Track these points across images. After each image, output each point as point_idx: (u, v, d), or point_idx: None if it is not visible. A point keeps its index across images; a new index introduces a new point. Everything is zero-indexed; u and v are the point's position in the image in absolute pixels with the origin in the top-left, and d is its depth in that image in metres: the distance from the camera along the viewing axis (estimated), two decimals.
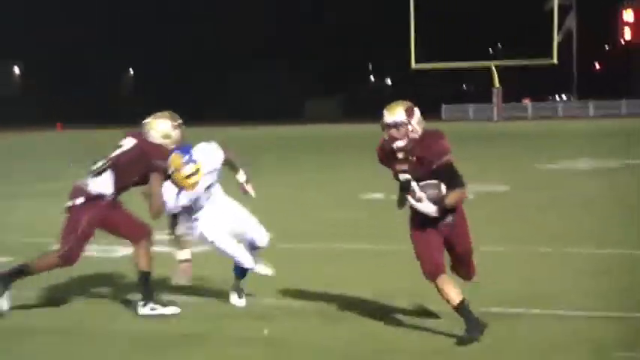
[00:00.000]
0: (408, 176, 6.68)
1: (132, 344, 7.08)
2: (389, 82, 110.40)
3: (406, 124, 6.62)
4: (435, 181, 6.59)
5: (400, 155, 6.72)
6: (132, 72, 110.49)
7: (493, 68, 72.03)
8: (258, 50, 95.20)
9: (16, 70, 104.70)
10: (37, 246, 11.95)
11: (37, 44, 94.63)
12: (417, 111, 6.72)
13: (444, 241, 6.77)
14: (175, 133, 8.00)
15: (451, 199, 6.57)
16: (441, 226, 6.73)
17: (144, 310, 7.92)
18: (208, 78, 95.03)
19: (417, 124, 6.67)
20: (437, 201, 6.53)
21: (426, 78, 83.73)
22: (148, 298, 7.96)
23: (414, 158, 6.65)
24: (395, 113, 6.66)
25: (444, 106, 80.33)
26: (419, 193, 6.55)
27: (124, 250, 11.47)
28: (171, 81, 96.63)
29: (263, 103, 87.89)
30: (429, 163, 6.62)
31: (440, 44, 75.90)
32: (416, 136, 6.66)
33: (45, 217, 15.64)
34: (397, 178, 6.81)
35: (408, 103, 6.75)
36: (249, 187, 8.26)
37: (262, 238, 8.16)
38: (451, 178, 6.62)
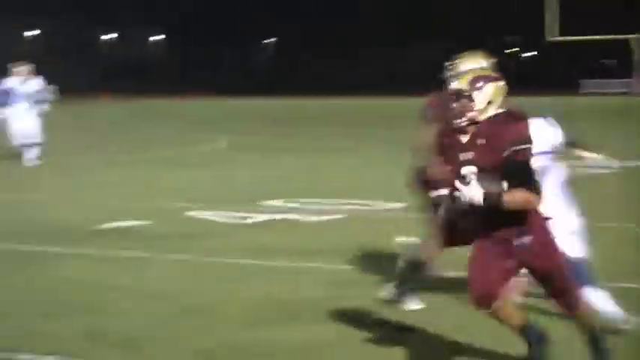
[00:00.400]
0: (472, 169, 5.10)
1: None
2: (525, 55, 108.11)
3: (467, 97, 5.12)
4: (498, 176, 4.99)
5: (465, 139, 5.18)
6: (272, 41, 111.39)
7: (635, 41, 69.86)
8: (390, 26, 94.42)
9: (160, 37, 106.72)
10: (170, 211, 12.29)
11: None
12: (490, 85, 5.15)
13: (519, 264, 5.23)
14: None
15: (511, 197, 4.94)
16: (514, 248, 5.14)
17: (386, 294, 7.15)
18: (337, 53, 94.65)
19: (483, 100, 5.12)
20: (491, 193, 4.93)
21: (564, 51, 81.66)
22: (402, 286, 7.06)
23: (484, 141, 5.07)
24: (462, 80, 5.24)
25: (582, 81, 78.45)
26: (470, 177, 5.02)
27: (259, 216, 11.69)
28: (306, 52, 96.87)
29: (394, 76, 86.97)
30: (501, 149, 5.00)
31: (577, 15, 73.89)
32: (476, 115, 5.12)
33: (184, 183, 16.04)
34: (456, 176, 5.17)
35: (481, 72, 5.39)
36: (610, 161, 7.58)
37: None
38: (522, 175, 5.00)
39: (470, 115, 5.11)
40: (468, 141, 5.14)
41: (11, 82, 18.86)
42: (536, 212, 5.10)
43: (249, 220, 11.45)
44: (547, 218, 5.15)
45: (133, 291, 7.78)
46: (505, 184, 4.95)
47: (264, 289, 7.87)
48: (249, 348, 6.23)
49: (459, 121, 5.12)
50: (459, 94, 5.13)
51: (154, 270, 8.67)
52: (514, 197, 4.91)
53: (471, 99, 5.10)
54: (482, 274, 5.16)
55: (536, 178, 5.04)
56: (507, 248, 5.12)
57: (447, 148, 5.27)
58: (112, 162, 19.97)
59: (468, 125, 5.12)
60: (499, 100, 5.14)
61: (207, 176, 17.14)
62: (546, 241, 5.15)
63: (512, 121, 5.07)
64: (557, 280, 5.19)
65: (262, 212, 12.06)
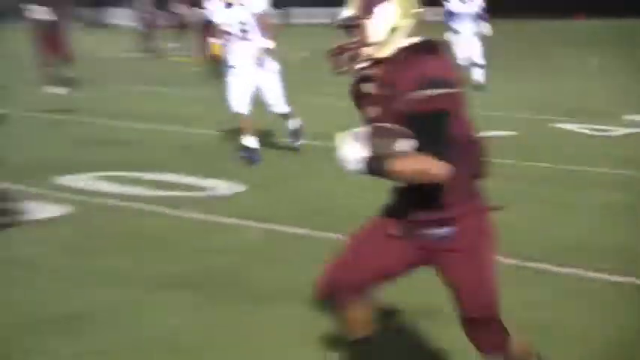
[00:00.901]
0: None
1: None
2: None
3: (360, 25, 3.45)
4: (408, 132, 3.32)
5: (372, 89, 3.52)
6: None
7: None
8: None
9: None
10: (535, 122, 12.99)
11: None
12: (391, 5, 3.44)
13: (420, 262, 3.65)
14: None
15: (400, 162, 3.30)
16: (415, 240, 3.56)
17: None
18: None
19: (381, 28, 3.43)
20: (379, 153, 3.34)
21: None
22: None
23: (385, 89, 3.44)
24: (351, 4, 3.52)
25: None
26: (359, 133, 3.39)
27: (621, 130, 12.10)
28: None
29: None
30: (397, 96, 3.36)
31: None
32: (373, 52, 3.45)
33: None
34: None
35: None
36: None
37: None
38: (425, 134, 3.30)
39: (366, 52, 3.45)
40: (374, 93, 3.51)
41: (453, 3, 18.36)
42: (473, 196, 3.54)
43: (610, 133, 11.94)
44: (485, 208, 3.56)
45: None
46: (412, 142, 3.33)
47: (615, 197, 8.36)
48: (601, 251, 6.67)
49: (355, 65, 3.48)
50: (349, 25, 3.48)
51: (519, 177, 9.40)
52: (406, 164, 3.30)
53: (365, 28, 3.44)
54: (346, 263, 3.70)
55: (444, 138, 3.32)
56: (403, 237, 3.61)
57: (360, 104, 3.62)
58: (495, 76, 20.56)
59: (370, 68, 3.48)
60: (409, 24, 3.47)
61: (575, 90, 17.53)
62: (474, 243, 3.53)
63: (422, 54, 3.38)
64: (471, 304, 3.58)
65: (625, 126, 12.51)
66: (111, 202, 8.11)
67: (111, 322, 5.16)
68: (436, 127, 3.30)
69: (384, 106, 3.41)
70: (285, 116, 10.44)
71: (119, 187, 8.69)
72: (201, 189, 8.70)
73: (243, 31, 9.93)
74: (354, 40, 3.43)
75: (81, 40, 22.39)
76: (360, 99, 3.58)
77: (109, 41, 32.68)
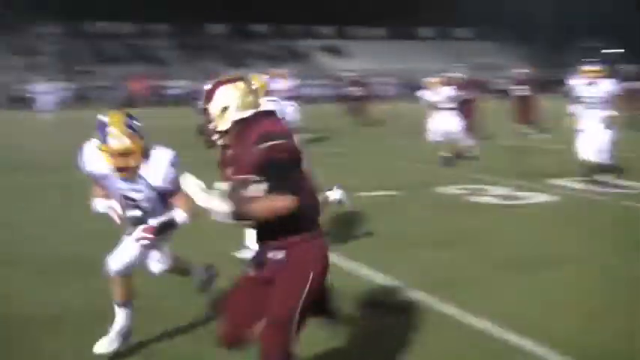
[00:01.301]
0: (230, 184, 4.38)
1: None
2: None
3: (206, 109, 4.43)
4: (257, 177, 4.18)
5: (228, 153, 4.58)
6: None
7: None
8: None
9: None
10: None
11: None
12: (222, 89, 4.39)
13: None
14: None
15: (257, 203, 4.10)
16: (269, 264, 4.36)
17: None
18: None
19: (216, 108, 4.39)
20: (239, 203, 4.09)
21: None
22: None
23: (233, 150, 4.40)
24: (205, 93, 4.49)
25: None
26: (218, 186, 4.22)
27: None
28: None
29: None
30: (245, 153, 4.22)
31: None
32: (215, 125, 4.38)
33: None
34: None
35: (224, 79, 4.46)
36: None
37: None
38: (273, 178, 4.13)
39: (210, 127, 4.40)
40: (229, 154, 4.46)
41: None
42: (308, 228, 4.32)
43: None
44: (313, 236, 4.36)
45: None
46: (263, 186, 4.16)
47: None
48: None
49: (211, 139, 4.43)
50: (202, 110, 4.43)
51: None
52: (258, 205, 4.10)
53: (207, 111, 4.39)
54: (232, 310, 4.48)
55: (293, 177, 4.20)
56: (262, 266, 4.42)
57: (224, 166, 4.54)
58: None
59: (221, 138, 4.40)
60: (242, 101, 4.37)
61: None
62: (298, 262, 4.29)
63: (259, 118, 4.32)
64: (276, 309, 4.29)
65: None
66: (588, 195, 12.36)
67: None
68: (278, 169, 4.10)
69: (237, 163, 4.26)
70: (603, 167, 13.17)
71: (589, 185, 13.13)
72: (616, 186, 13.00)
73: (597, 102, 12.84)
74: (204, 120, 4.40)
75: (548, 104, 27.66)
76: (222, 162, 4.48)
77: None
